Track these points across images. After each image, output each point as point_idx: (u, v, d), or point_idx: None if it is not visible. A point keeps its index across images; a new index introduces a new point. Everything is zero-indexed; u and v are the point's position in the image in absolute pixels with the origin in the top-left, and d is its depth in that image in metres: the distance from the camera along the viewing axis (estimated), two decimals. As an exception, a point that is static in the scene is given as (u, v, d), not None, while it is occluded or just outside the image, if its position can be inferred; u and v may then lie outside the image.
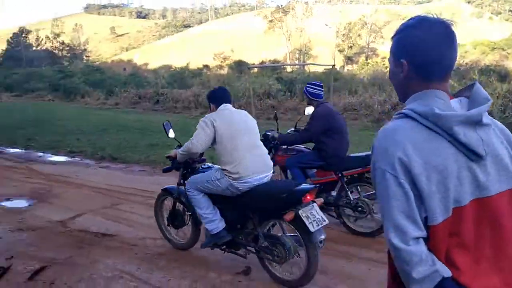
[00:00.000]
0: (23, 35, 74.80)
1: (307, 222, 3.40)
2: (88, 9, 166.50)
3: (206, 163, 4.56)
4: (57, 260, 4.51)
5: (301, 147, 5.45)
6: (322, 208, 4.03)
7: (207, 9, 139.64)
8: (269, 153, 4.32)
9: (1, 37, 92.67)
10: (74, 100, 37.32)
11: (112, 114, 25.68)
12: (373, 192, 4.49)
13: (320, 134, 4.95)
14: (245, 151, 3.83)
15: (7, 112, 25.00)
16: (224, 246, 4.16)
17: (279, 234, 3.83)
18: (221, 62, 62.08)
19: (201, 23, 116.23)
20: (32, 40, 77.36)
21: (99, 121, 20.60)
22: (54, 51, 76.82)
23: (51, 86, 43.40)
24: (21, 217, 6.05)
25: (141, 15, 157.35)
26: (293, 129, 5.81)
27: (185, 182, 4.33)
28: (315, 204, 3.59)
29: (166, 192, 4.90)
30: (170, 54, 76.51)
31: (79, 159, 10.98)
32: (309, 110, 5.25)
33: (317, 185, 3.90)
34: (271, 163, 4.17)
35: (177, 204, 4.68)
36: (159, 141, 13.45)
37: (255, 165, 3.84)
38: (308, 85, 5.25)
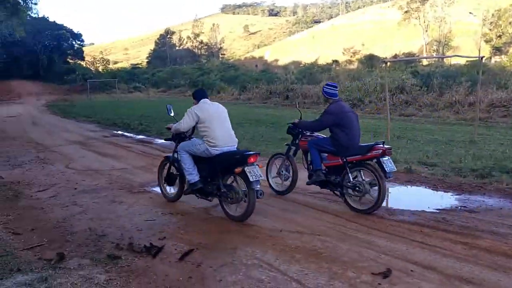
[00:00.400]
0: (168, 36, 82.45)
1: (249, 175, 5.23)
2: (224, 9, 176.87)
3: (193, 136, 6.36)
4: (203, 244, 4.82)
5: (320, 135, 6.62)
6: (329, 188, 6.23)
7: (338, 3, 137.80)
8: (294, 140, 6.80)
9: (150, 38, 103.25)
10: (210, 95, 39.76)
11: (245, 109, 26.89)
12: (373, 178, 5.71)
13: (332, 126, 6.05)
14: (219, 130, 5.77)
15: (155, 106, 27.82)
16: (198, 194, 6.03)
17: (234, 184, 5.61)
18: (351, 56, 60.70)
19: (331, 18, 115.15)
20: (176, 40, 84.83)
21: (234, 115, 21.46)
22: (194, 50, 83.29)
23: (190, 83, 47.01)
24: (171, 202, 6.62)
25: (273, 12, 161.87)
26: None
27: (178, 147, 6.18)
28: (257, 165, 5.38)
29: (166, 158, 6.71)
30: (299, 50, 77.23)
31: (217, 150, 11.67)
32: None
33: (259, 152, 5.79)
34: (236, 139, 6.06)
35: (171, 167, 6.53)
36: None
37: (225, 139, 5.78)
38: (325, 86, 6.35)
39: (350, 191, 5.91)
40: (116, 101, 34.95)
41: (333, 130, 6.05)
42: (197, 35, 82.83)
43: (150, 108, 26.82)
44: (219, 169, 5.68)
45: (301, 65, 55.78)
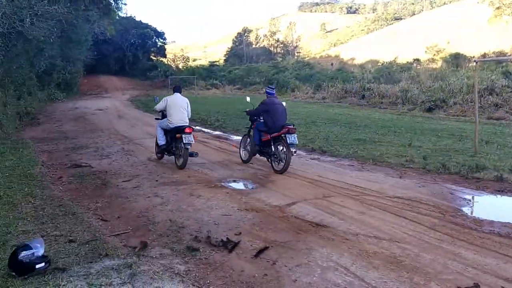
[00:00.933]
0: (245, 34, 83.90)
1: (183, 139, 8.51)
2: (301, 7, 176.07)
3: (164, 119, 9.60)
4: (277, 242, 4.84)
5: (262, 120, 9.19)
6: (263, 156, 9.16)
7: None
8: (252, 124, 9.58)
9: (229, 37, 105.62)
10: (285, 93, 39.94)
11: (319, 107, 26.62)
12: (283, 148, 8.47)
13: (263, 112, 9.01)
14: (175, 114, 9.02)
15: (231, 103, 28.44)
16: (165, 153, 9.54)
17: (180, 146, 8.81)
18: (434, 55, 57.52)
19: (414, 14, 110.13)
20: (252, 39, 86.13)
21: (307, 114, 21.56)
22: (270, 48, 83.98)
23: (266, 80, 47.38)
24: (246, 198, 6.73)
25: (351, 10, 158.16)
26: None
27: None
28: (191, 134, 8.65)
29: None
30: (377, 48, 74.75)
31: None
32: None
33: (192, 126, 8.98)
34: (187, 119, 9.25)
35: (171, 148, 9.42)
36: (367, 137, 13.27)
37: (178, 119, 9.00)
38: (267, 88, 9.81)
39: (272, 157, 8.69)
40: (194, 97, 36.09)
41: (264, 115, 9.00)
42: (274, 33, 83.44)
43: (226, 104, 27.47)
44: (173, 136, 8.99)
45: (379, 64, 53.98)
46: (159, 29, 68.75)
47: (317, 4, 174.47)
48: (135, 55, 62.13)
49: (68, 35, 26.47)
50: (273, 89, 9.54)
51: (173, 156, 9.36)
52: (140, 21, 66.44)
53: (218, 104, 28.02)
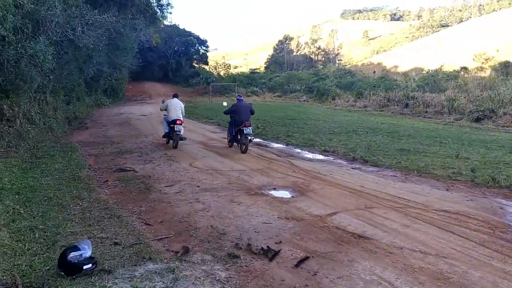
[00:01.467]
0: (286, 42, 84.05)
1: (176, 128, 12.55)
2: (344, 14, 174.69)
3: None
4: (318, 253, 4.78)
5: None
6: (236, 142, 12.69)
7: (470, 6, 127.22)
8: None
9: (269, 44, 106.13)
10: (325, 101, 39.63)
11: (361, 116, 26.19)
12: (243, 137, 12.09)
13: (231, 112, 12.59)
14: (172, 111, 12.86)
15: (271, 110, 28.52)
16: (168, 138, 13.31)
17: (173, 133, 12.78)
18: (482, 63, 55.46)
19: (461, 21, 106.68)
20: (293, 46, 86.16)
21: (348, 122, 21.27)
22: (311, 55, 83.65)
23: (306, 88, 47.22)
24: (286, 207, 6.70)
25: (395, 17, 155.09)
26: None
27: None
28: (181, 125, 12.63)
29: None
30: (422, 56, 72.89)
31: (332, 158, 11.52)
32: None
33: (181, 119, 12.81)
34: (181, 115, 12.96)
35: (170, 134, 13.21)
36: (410, 147, 12.93)
37: (173, 115, 12.74)
38: (237, 96, 13.89)
39: (239, 143, 12.17)
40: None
41: (232, 114, 12.59)
42: (315, 41, 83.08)
43: (266, 112, 27.53)
44: (170, 125, 12.73)
45: (424, 72, 52.60)
46: (201, 37, 70.09)
47: (359, 11, 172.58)
48: (178, 62, 63.61)
49: (115, 42, 27.46)
50: (241, 96, 13.82)
51: (205, 160, 10.13)
52: (184, 29, 68.01)
53: (258, 111, 27.95)
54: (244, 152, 11.82)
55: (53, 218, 5.80)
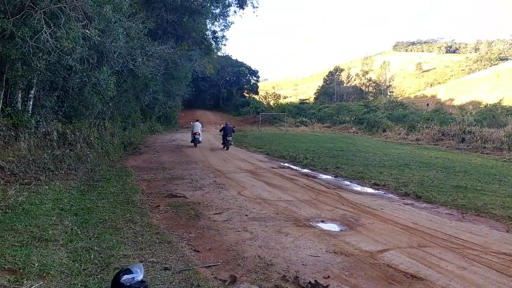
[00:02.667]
0: (337, 73, 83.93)
1: (196, 136, 23.14)
2: (396, 46, 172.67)
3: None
4: (368, 291, 4.63)
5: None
6: (224, 145, 22.62)
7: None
8: (228, 136, 22.32)
9: (320, 75, 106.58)
10: (376, 133, 38.94)
11: (413, 149, 25.45)
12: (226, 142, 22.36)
13: (222, 130, 22.51)
14: (195, 128, 23.51)
15: (321, 141, 28.37)
16: (193, 142, 23.58)
17: (195, 139, 23.53)
18: (545, 98, 52.59)
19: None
20: (344, 77, 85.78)
21: (400, 155, 20.72)
22: (361, 87, 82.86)
23: (356, 119, 46.67)
24: (334, 240, 6.57)
25: (451, 49, 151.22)
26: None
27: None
28: (199, 136, 23.36)
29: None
30: (480, 89, 70.28)
31: (382, 192, 11.23)
32: (219, 127, 26.84)
33: (199, 132, 23.35)
34: (200, 130, 23.48)
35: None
36: (467, 184, 12.36)
37: (195, 130, 23.24)
38: (226, 123, 23.75)
39: (225, 145, 21.96)
40: (283, 134, 36.71)
41: (223, 131, 22.12)
42: (366, 72, 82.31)
43: (315, 142, 27.45)
44: (193, 135, 23.00)
45: (481, 106, 50.58)
46: (253, 67, 71.67)
47: (413, 43, 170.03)
48: (230, 91, 65.23)
49: (170, 72, 28.71)
50: (227, 124, 22.95)
51: (253, 189, 9.65)
52: (236, 59, 69.91)
53: (307, 141, 28.08)
54: (227, 149, 21.81)
55: (107, 240, 6.02)
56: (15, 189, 8.37)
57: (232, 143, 22.37)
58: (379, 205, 9.32)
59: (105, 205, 8.34)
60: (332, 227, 7.51)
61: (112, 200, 8.85)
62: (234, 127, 24.15)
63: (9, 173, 9.43)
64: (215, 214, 8.13)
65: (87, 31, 8.86)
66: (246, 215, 8.06)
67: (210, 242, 6.33)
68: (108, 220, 7.13)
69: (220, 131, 22.97)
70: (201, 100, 63.20)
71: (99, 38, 9.28)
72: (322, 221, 7.82)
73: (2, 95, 9.68)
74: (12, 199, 7.54)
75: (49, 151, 11.53)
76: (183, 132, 35.92)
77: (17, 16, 8.31)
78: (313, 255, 5.81)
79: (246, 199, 9.64)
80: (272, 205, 9.01)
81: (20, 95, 10.36)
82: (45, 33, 8.20)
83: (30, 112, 10.78)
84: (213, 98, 66.54)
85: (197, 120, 24.75)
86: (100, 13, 9.01)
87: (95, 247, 5.66)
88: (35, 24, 8.23)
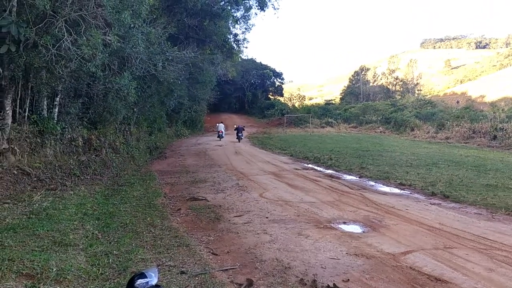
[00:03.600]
0: (362, 73, 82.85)
1: (220, 134, 31.88)
2: (424, 44, 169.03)
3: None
4: (389, 294, 4.47)
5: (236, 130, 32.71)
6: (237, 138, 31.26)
7: None
8: (239, 133, 31.62)
9: (346, 75, 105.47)
10: (403, 132, 38.19)
11: (442, 148, 24.79)
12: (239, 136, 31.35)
13: (236, 129, 31.77)
14: (219, 128, 32.38)
15: (346, 142, 28.00)
16: (218, 138, 32.37)
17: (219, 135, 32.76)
18: None
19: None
20: (370, 77, 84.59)
21: (428, 154, 20.21)
22: (388, 86, 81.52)
23: (383, 119, 45.89)
24: (356, 242, 6.41)
25: (481, 45, 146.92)
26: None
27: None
28: (222, 134, 32.16)
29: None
30: (512, 85, 67.96)
31: (408, 192, 10.93)
32: (221, 127, 33.36)
33: (222, 131, 32.45)
34: (223, 130, 32.36)
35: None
36: (498, 182, 11.93)
37: (219, 129, 32.18)
38: (238, 125, 33.35)
39: (238, 138, 30.74)
40: (309, 135, 36.45)
41: (236, 130, 31.36)
42: (393, 71, 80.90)
43: (340, 143, 27.11)
44: (218, 132, 32.24)
45: (514, 102, 48.88)
46: (277, 70, 71.58)
47: (441, 40, 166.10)
48: (254, 94, 65.31)
49: (195, 77, 28.96)
50: (239, 125, 32.75)
51: (276, 191, 9.45)
52: (260, 62, 70.01)
53: (331, 142, 27.77)
54: (239, 141, 29.40)
55: (127, 244, 6.06)
56: (40, 194, 8.56)
57: (243, 137, 30.87)
58: (404, 206, 9.07)
59: (127, 209, 8.42)
60: (354, 228, 7.34)
61: (134, 204, 8.94)
62: (244, 126, 33.60)
63: (35, 179, 9.67)
64: (236, 216, 8.08)
65: (107, 37, 8.99)
66: (267, 217, 7.97)
67: (228, 245, 6.28)
68: (129, 224, 7.18)
69: (234, 130, 32.06)
70: (226, 103, 63.60)
71: (119, 44, 9.41)
72: (344, 223, 7.66)
73: (28, 103, 9.94)
74: (37, 205, 7.71)
75: (75, 157, 11.77)
76: (208, 136, 36.20)
77: (40, 25, 8.53)
78: (333, 258, 5.68)
79: (268, 201, 9.55)
80: (294, 207, 8.89)
81: (45, 103, 10.61)
82: (66, 40, 8.37)
83: (56, 119, 11.03)
84: (238, 101, 66.87)
85: (221, 122, 33.67)
86: (119, 20, 9.14)
87: (114, 251, 5.70)
88: (56, 32, 8.42)
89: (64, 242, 5.73)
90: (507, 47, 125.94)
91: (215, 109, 59.28)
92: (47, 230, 6.16)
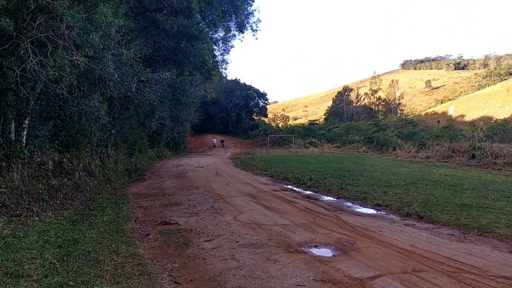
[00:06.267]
0: (346, 93, 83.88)
1: (214, 144, 51.83)
2: (405, 65, 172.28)
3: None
4: (350, 323, 4.31)
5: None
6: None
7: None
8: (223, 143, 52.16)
9: (329, 96, 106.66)
10: (385, 152, 38.44)
11: (422, 167, 24.93)
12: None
13: (221, 141, 51.94)
14: (213, 141, 51.82)
15: (328, 162, 28.00)
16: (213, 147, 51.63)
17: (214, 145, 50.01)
18: (558, 111, 51.57)
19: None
20: (353, 97, 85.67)
21: (408, 174, 20.26)
22: (370, 106, 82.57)
23: (366, 139, 46.26)
24: (325, 267, 6.25)
25: (459, 66, 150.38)
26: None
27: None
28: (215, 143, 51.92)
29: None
30: (490, 104, 69.32)
31: (384, 213, 10.85)
32: (214, 142, 52.13)
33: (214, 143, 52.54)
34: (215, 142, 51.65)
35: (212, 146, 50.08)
36: (473, 202, 11.95)
37: (214, 143, 51.40)
38: (222, 139, 53.19)
39: (222, 146, 50.17)
40: (292, 156, 36.40)
41: (222, 142, 50.65)
42: (375, 91, 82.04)
43: (322, 163, 27.08)
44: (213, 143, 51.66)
45: (492, 121, 49.78)
46: (261, 90, 72.06)
47: (421, 61, 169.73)
48: (238, 115, 65.49)
49: (178, 98, 28.84)
50: (222, 140, 52.18)
51: (250, 213, 9.29)
52: (244, 83, 70.41)
53: (314, 162, 27.74)
54: (223, 147, 47.69)
55: (85, 273, 5.79)
56: (2, 221, 8.24)
57: (225, 145, 42.14)
58: (378, 227, 8.96)
59: (93, 235, 8.13)
60: (325, 252, 7.18)
61: (102, 229, 8.65)
62: (224, 140, 48.17)
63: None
64: (205, 241, 7.86)
65: (75, 58, 8.84)
66: (237, 242, 7.77)
67: (193, 272, 6.06)
68: (92, 251, 6.90)
69: (220, 141, 41.99)
70: (211, 124, 63.57)
71: (86, 66, 9.25)
72: (316, 246, 7.50)
73: (-6, 126, 9.66)
74: (-4, 232, 7.39)
75: (44, 181, 11.44)
76: (191, 157, 35.90)
77: (5, 46, 8.35)
78: (299, 285, 5.51)
79: (241, 224, 9.35)
80: (266, 230, 8.71)
81: (13, 125, 10.34)
82: (32, 62, 8.20)
83: (24, 142, 10.74)
84: (223, 122, 66.91)
85: (214, 138, 49.79)
86: (87, 41, 9.01)
87: (70, 282, 5.43)
88: (22, 53, 8.25)
89: (17, 273, 5.45)
90: (484, 68, 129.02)
91: (200, 130, 59.13)
92: (1, 260, 5.88)
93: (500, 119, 48.93)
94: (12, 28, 7.86)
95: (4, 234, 7.28)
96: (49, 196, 11.13)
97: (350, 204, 12.31)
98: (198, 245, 7.58)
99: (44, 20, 8.63)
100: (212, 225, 9.34)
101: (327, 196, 13.86)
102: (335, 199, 13.19)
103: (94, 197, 13.14)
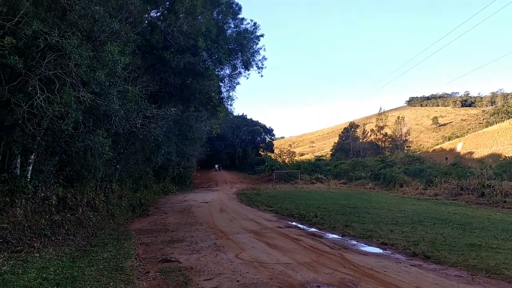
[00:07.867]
0: (352, 129, 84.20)
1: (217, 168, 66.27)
2: (411, 102, 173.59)
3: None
4: None
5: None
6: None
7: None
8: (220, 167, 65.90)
9: (336, 132, 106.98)
10: (392, 189, 38.03)
11: (430, 205, 24.56)
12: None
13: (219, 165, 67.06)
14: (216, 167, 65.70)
15: (334, 198, 27.72)
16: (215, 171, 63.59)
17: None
18: None
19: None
20: (359, 133, 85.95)
21: (415, 212, 19.96)
22: (377, 142, 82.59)
23: (372, 175, 45.91)
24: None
25: (466, 103, 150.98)
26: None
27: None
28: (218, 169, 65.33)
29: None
30: (499, 142, 69.06)
31: (390, 252, 10.62)
32: (216, 166, 65.69)
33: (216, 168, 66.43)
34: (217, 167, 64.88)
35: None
36: (482, 241, 11.67)
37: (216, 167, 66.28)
38: (220, 165, 67.81)
39: (218, 169, 65.84)
40: (297, 191, 36.14)
41: (218, 167, 64.31)
42: (381, 127, 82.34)
43: (328, 199, 26.82)
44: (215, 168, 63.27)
45: (501, 159, 49.45)
46: (268, 126, 72.51)
47: (427, 98, 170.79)
48: (245, 150, 65.72)
49: (184, 133, 29.04)
50: (220, 164, 65.43)
51: (253, 251, 9.09)
52: (251, 119, 71.06)
53: (320, 199, 27.48)
54: (220, 170, 61.22)
55: (80, 312, 5.67)
56: (2, 257, 8.17)
57: (221, 169, 41.51)
58: (383, 267, 8.74)
59: (93, 273, 8.01)
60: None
61: (101, 267, 8.53)
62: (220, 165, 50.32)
63: (1, 240, 9.27)
64: (205, 280, 7.70)
65: (81, 95, 9.02)
66: (238, 281, 7.61)
67: (191, 312, 5.90)
68: (89, 289, 6.79)
69: (218, 166, 39.33)
70: (217, 159, 63.90)
71: (92, 102, 9.43)
72: (318, 287, 7.31)
73: (-1, 161, 9.76)
74: (-5, 268, 7.32)
75: (47, 216, 11.42)
76: (196, 193, 35.78)
77: (14, 83, 8.55)
78: (300, 327, 5.32)
79: (242, 263, 9.18)
80: (268, 269, 8.53)
81: (19, 161, 10.43)
82: (39, 98, 8.37)
83: (29, 177, 10.80)
84: (229, 158, 67.19)
85: (217, 164, 49.55)
86: (94, 78, 9.22)
87: (65, 321, 5.31)
88: (30, 90, 8.43)
89: (11, 311, 5.34)
90: (492, 105, 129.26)
91: (206, 165, 59.30)
92: (-4, 298, 5.78)
93: (509, 157, 48.58)
94: (21, 66, 8.08)
95: (2, 271, 7.20)
96: (51, 231, 11.08)
97: (355, 242, 12.08)
98: (198, 284, 7.42)
99: (53, 58, 8.87)
100: (213, 263, 9.18)
101: (332, 233, 13.64)
102: (340, 237, 12.97)
103: (96, 232, 13.05)
